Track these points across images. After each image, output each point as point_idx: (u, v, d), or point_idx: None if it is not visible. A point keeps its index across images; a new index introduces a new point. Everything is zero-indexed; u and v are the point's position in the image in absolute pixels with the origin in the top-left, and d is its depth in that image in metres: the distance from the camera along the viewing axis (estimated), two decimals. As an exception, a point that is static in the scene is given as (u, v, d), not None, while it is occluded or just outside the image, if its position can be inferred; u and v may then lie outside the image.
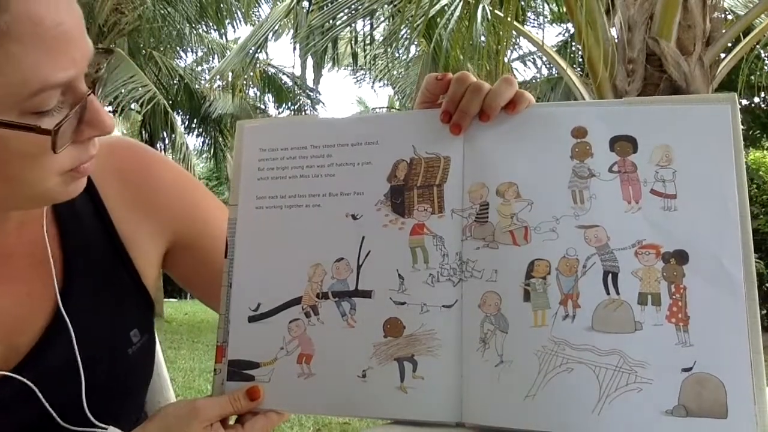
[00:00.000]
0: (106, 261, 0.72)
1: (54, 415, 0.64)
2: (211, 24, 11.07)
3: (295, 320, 0.65)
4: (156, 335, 0.79)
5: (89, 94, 0.58)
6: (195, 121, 12.24)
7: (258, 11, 11.18)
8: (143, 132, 10.75)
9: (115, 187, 0.75)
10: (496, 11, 5.19)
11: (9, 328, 0.65)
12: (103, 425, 0.66)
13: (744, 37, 4.50)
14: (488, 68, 5.24)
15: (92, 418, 0.66)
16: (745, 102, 10.19)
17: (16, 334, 0.66)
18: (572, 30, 6.96)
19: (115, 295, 0.72)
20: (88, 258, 0.71)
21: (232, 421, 0.64)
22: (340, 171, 0.67)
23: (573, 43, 8.72)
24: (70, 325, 0.67)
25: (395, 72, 10.20)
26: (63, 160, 0.58)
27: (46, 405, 0.64)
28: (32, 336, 0.66)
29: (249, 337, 0.66)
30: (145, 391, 0.80)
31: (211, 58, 13.11)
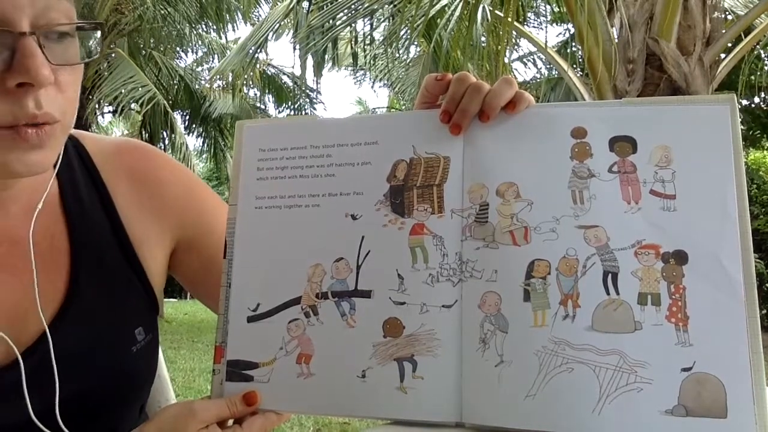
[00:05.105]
0: (113, 258, 0.73)
1: (31, 413, 0.63)
2: (211, 24, 11.06)
3: (294, 320, 0.65)
4: (159, 336, 0.79)
5: (22, 34, 0.55)
6: (195, 121, 12.23)
7: (258, 11, 11.19)
8: (143, 132, 10.74)
9: (124, 187, 0.75)
10: (496, 11, 5.19)
11: (12, 317, 0.65)
12: None
13: (744, 37, 4.50)
14: (488, 69, 5.24)
15: (62, 426, 0.64)
16: (745, 102, 10.19)
17: (20, 324, 0.65)
18: (572, 30, 6.96)
19: (121, 291, 0.73)
20: (96, 253, 0.71)
21: (229, 423, 0.64)
22: (340, 171, 0.67)
23: (573, 43, 8.72)
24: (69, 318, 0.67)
25: (395, 73, 10.19)
26: None
27: (27, 400, 0.63)
28: (38, 327, 0.66)
29: (248, 338, 0.66)
30: (147, 392, 0.80)
31: (211, 58, 13.11)
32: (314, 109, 13.05)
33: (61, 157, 0.72)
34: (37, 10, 0.57)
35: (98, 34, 0.65)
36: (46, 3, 0.57)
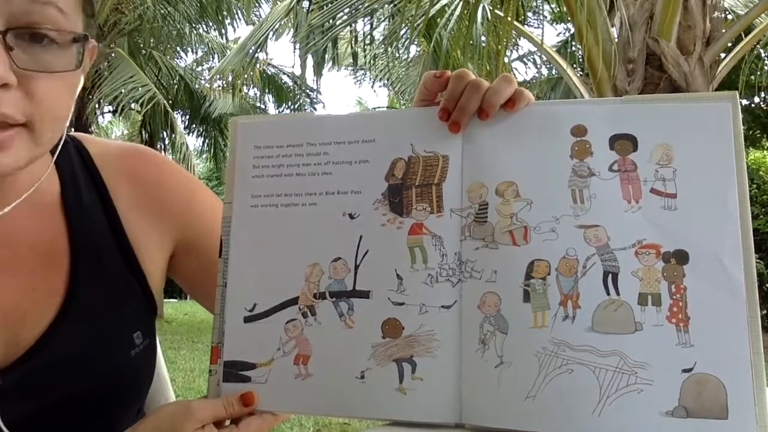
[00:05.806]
0: (113, 260, 0.73)
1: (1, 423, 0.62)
2: (211, 24, 11.07)
3: (292, 320, 0.65)
4: (157, 339, 0.78)
5: None
6: (195, 120, 12.25)
7: (258, 11, 11.19)
8: (143, 132, 10.76)
9: (125, 190, 0.75)
10: (496, 11, 5.18)
11: (11, 319, 0.65)
12: None
13: (744, 37, 4.50)
14: (488, 68, 5.24)
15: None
16: (745, 102, 10.19)
17: (18, 325, 0.65)
18: (572, 29, 6.96)
19: (120, 294, 0.72)
20: (95, 255, 0.71)
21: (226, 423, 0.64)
22: (337, 169, 0.67)
23: (573, 43, 8.72)
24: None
25: (395, 72, 10.19)
26: None
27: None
28: (37, 329, 0.66)
29: (245, 338, 0.65)
30: (145, 394, 0.79)
31: (211, 58, 13.12)
32: (314, 108, 13.05)
33: (54, 158, 0.72)
34: (14, 10, 0.56)
35: (86, 45, 0.63)
36: (28, 7, 0.57)
